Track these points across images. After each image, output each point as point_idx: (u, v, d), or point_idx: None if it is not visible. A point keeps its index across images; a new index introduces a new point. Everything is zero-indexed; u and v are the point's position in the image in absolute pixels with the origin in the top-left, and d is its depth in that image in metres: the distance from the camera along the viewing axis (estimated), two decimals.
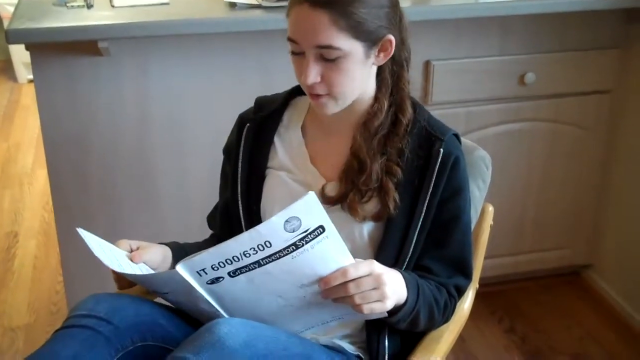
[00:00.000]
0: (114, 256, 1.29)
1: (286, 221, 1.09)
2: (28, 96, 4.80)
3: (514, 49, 2.33)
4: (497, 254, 2.46)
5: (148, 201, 2.23)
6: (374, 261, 1.20)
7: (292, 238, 1.10)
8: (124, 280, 1.35)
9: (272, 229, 1.09)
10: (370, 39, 1.27)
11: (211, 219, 1.59)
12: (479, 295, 1.62)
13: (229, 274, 1.15)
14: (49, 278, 2.87)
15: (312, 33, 1.23)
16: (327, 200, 1.36)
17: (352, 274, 1.16)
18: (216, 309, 1.23)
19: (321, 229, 1.11)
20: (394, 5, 1.31)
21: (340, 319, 1.29)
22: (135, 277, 1.27)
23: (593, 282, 2.73)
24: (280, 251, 1.12)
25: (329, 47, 1.23)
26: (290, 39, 1.27)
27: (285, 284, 1.18)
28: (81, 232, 1.29)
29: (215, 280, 1.16)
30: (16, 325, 2.59)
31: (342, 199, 1.35)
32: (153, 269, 1.35)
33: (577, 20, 2.34)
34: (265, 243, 1.10)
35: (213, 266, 1.14)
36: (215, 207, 1.58)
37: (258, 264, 1.13)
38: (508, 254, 2.60)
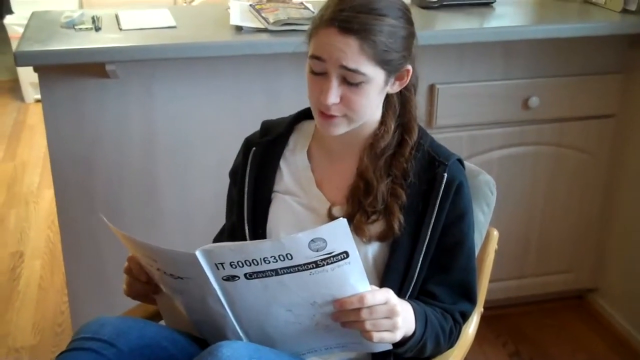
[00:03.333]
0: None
1: (312, 240, 1.10)
2: (35, 116, 4.82)
3: (518, 73, 2.34)
4: (501, 277, 2.47)
5: (153, 222, 2.24)
6: (390, 290, 1.21)
7: (314, 257, 1.11)
8: (134, 287, 1.34)
9: (296, 244, 1.10)
10: (392, 68, 1.29)
11: (217, 242, 1.59)
12: (483, 319, 1.62)
13: (245, 275, 1.15)
14: (54, 298, 2.87)
15: (341, 55, 1.24)
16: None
17: (369, 300, 1.16)
18: (226, 311, 1.22)
19: (345, 254, 1.12)
20: (413, 36, 1.33)
21: (343, 347, 1.29)
22: (157, 248, 1.23)
23: (598, 306, 2.73)
24: (299, 265, 1.12)
25: (356, 71, 1.25)
26: (315, 57, 1.27)
27: (298, 298, 1.18)
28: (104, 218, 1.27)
29: (231, 278, 1.16)
30: (21, 345, 2.59)
31: (348, 220, 1.35)
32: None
33: (580, 46, 2.35)
34: (286, 255, 1.11)
35: (232, 263, 1.14)
36: (221, 231, 1.59)
37: (275, 272, 1.13)
38: (512, 277, 2.60)
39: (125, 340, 1.25)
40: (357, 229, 1.34)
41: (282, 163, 1.46)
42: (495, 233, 1.59)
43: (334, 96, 1.27)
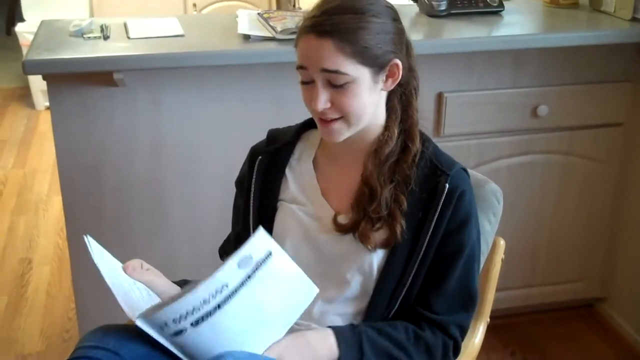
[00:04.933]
0: (113, 270, 1.29)
1: (240, 261, 1.12)
2: (45, 123, 4.84)
3: (527, 81, 2.34)
4: (509, 286, 2.46)
5: (160, 230, 2.24)
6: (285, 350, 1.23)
7: (245, 273, 1.13)
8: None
9: (228, 272, 1.12)
10: (377, 64, 1.29)
11: (223, 251, 1.60)
12: (491, 328, 1.61)
13: (191, 324, 1.15)
14: (62, 305, 2.88)
15: (319, 58, 1.26)
16: (339, 229, 1.37)
17: None
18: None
19: (268, 253, 1.14)
20: (400, 32, 1.33)
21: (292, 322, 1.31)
22: (117, 296, 1.26)
23: (607, 315, 2.71)
24: (236, 287, 1.14)
25: (336, 72, 1.26)
26: (299, 67, 1.30)
27: (244, 315, 1.19)
28: (88, 240, 1.30)
29: (179, 332, 1.17)
30: (28, 352, 2.59)
31: (354, 227, 1.36)
32: (157, 292, 1.34)
33: (589, 54, 2.35)
34: (222, 287, 1.13)
35: (174, 319, 1.15)
36: (227, 240, 1.59)
37: (218, 306, 1.14)
38: (521, 286, 2.59)
39: (129, 349, 1.24)
40: (363, 237, 1.35)
41: (287, 172, 1.46)
42: (502, 242, 1.59)
43: (322, 102, 1.28)
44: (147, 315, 1.15)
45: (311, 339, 1.30)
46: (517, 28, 2.40)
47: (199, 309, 1.13)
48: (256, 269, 1.13)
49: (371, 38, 1.26)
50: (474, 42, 2.22)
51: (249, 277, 1.13)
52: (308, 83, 1.30)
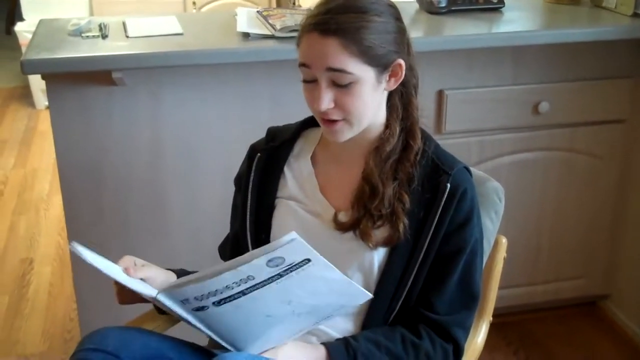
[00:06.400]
0: (109, 267, 1.29)
1: (269, 260, 1.09)
2: (46, 122, 4.83)
3: (528, 78, 2.33)
4: (512, 284, 2.45)
5: (160, 228, 2.23)
6: (279, 354, 1.23)
7: (276, 271, 1.11)
8: (124, 295, 1.35)
9: (254, 267, 1.10)
10: (381, 64, 1.28)
11: (222, 249, 1.60)
12: (494, 326, 1.61)
13: (213, 303, 1.15)
14: (64, 305, 2.87)
15: (324, 57, 1.25)
16: (340, 227, 1.36)
17: None
18: (205, 332, 1.22)
19: (307, 260, 1.11)
20: (402, 32, 1.33)
21: (328, 319, 1.30)
22: (123, 285, 1.26)
23: (610, 313, 2.70)
24: (264, 281, 1.12)
25: (342, 70, 1.25)
26: (302, 65, 1.29)
27: (272, 305, 1.18)
28: (75, 247, 1.26)
29: (201, 309, 1.16)
30: (30, 353, 2.59)
31: (354, 225, 1.35)
32: (156, 286, 1.34)
33: (590, 50, 2.33)
34: (247, 278, 1.11)
35: (196, 297, 1.14)
36: (227, 238, 1.59)
37: (242, 293, 1.13)
38: (523, 284, 2.58)
39: (129, 351, 1.24)
40: (364, 234, 1.34)
41: (286, 169, 1.46)
42: (504, 241, 1.58)
43: (326, 101, 1.27)
44: (169, 291, 1.14)
45: (308, 354, 1.29)
46: (517, 24, 2.38)
47: (222, 292, 1.12)
48: (290, 270, 1.11)
49: (375, 37, 1.26)
50: (475, 39, 2.21)
51: (280, 275, 1.12)
52: (310, 82, 1.29)
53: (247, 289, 1.12)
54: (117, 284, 1.33)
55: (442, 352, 1.35)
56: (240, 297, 1.13)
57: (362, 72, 1.26)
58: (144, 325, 1.42)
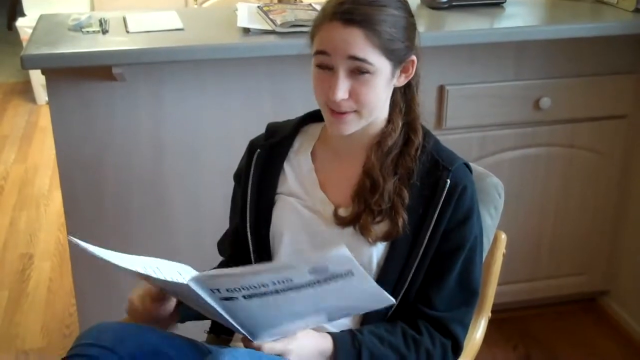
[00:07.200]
0: (117, 255, 1.27)
1: (312, 268, 1.09)
2: (46, 118, 4.83)
3: (529, 73, 2.32)
4: (512, 280, 2.44)
5: (161, 224, 2.23)
6: (297, 339, 1.24)
7: (316, 278, 1.11)
8: (137, 314, 1.34)
9: (296, 272, 1.10)
10: (398, 59, 1.29)
11: (221, 245, 1.59)
12: (494, 322, 1.60)
13: (243, 296, 1.15)
14: (63, 300, 2.87)
15: (348, 45, 1.24)
16: (340, 222, 1.36)
17: (265, 350, 1.21)
18: (227, 320, 1.22)
19: (349, 272, 1.11)
20: (414, 27, 1.34)
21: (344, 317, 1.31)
22: (147, 276, 1.23)
23: (610, 309, 2.70)
24: (301, 285, 1.12)
25: (364, 60, 1.25)
26: (320, 52, 1.28)
27: (302, 305, 1.18)
28: (74, 239, 1.26)
29: (229, 299, 1.16)
30: (29, 348, 2.59)
31: (355, 220, 1.35)
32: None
33: (592, 46, 2.33)
34: (285, 280, 1.11)
35: (228, 289, 1.14)
36: (226, 233, 1.58)
37: (276, 292, 1.13)
38: (524, 280, 2.57)
39: (126, 346, 1.24)
40: (363, 229, 1.34)
41: (286, 165, 1.45)
42: (503, 236, 1.57)
43: (342, 91, 1.26)
44: (202, 279, 1.14)
45: (318, 344, 1.29)
46: (519, 20, 2.38)
47: (255, 288, 1.12)
48: (330, 279, 1.12)
49: (395, 32, 1.27)
50: (476, 34, 2.20)
51: (318, 281, 1.12)
52: (325, 70, 1.28)
53: (281, 289, 1.12)
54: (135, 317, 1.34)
55: (441, 348, 1.35)
56: (272, 294, 1.13)
57: (380, 64, 1.26)
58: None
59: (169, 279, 1.20)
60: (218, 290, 1.14)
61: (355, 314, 1.34)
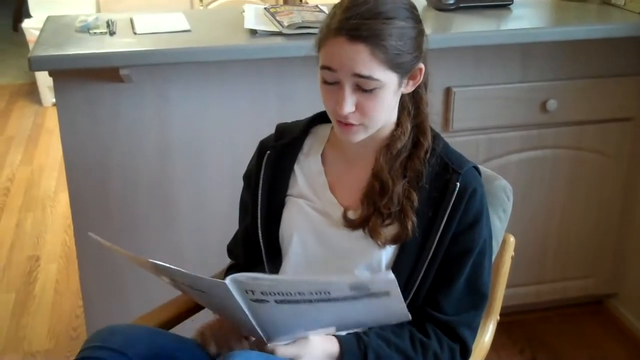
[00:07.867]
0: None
1: (354, 285, 1.11)
2: (52, 119, 4.84)
3: (536, 76, 2.32)
4: (519, 283, 2.44)
5: (167, 225, 2.23)
6: (310, 344, 1.24)
7: (354, 295, 1.12)
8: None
9: (336, 287, 1.12)
10: (405, 70, 1.28)
11: (232, 249, 1.59)
12: (500, 325, 1.60)
13: (275, 301, 1.15)
14: (70, 302, 2.87)
15: (353, 63, 1.23)
16: (349, 224, 1.36)
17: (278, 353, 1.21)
18: (250, 320, 1.22)
19: (387, 292, 1.13)
20: (422, 35, 1.32)
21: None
22: (181, 274, 1.20)
23: (617, 312, 2.69)
24: (337, 298, 1.13)
25: (369, 77, 1.24)
26: (326, 67, 1.27)
27: (329, 315, 1.19)
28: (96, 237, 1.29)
29: (260, 301, 1.16)
30: (36, 350, 2.59)
31: (364, 222, 1.35)
32: None
33: (599, 48, 2.32)
34: (323, 292, 1.12)
35: (262, 292, 1.14)
36: (235, 236, 1.58)
37: (309, 301, 1.14)
38: (530, 283, 2.57)
39: (136, 349, 1.24)
40: (373, 232, 1.33)
41: (296, 167, 1.45)
42: (512, 239, 1.57)
43: (348, 106, 1.26)
44: (237, 280, 1.14)
45: (326, 347, 1.29)
46: (525, 22, 2.37)
47: (290, 295, 1.13)
48: (366, 296, 1.13)
49: (402, 45, 1.25)
50: (483, 36, 2.20)
51: (355, 297, 1.13)
52: (332, 84, 1.28)
53: (316, 300, 1.13)
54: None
55: (449, 352, 1.35)
56: (304, 302, 1.14)
57: (387, 78, 1.25)
58: (150, 323, 1.41)
59: (205, 278, 1.19)
60: (252, 292, 1.15)
61: (367, 327, 1.33)
